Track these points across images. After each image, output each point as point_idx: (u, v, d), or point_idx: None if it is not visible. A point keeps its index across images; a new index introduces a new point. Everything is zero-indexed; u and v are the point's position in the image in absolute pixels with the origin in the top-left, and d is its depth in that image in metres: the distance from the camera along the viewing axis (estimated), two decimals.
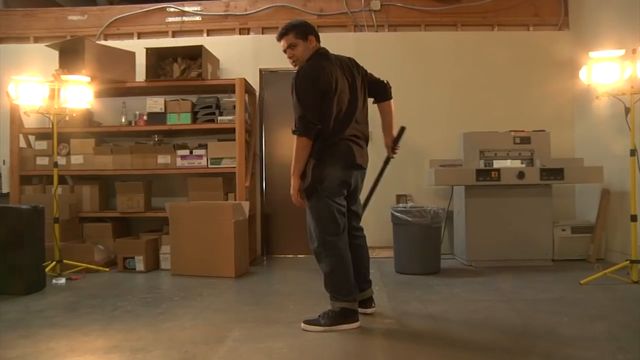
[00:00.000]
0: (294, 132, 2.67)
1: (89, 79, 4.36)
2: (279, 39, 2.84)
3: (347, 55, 3.00)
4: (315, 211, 2.73)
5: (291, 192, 2.74)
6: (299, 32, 2.77)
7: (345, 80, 2.76)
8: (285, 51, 2.84)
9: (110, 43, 5.30)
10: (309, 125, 2.63)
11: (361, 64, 3.01)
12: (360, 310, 2.82)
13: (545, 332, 2.62)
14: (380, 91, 2.96)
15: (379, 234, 5.17)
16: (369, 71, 3.03)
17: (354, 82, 2.79)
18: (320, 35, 5.18)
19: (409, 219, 4.20)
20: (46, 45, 4.79)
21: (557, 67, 5.32)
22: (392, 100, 2.97)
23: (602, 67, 3.64)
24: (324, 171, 2.68)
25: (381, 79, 2.98)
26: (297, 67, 2.80)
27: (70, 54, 4.63)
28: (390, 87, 2.99)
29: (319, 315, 2.76)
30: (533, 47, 5.36)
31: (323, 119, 2.65)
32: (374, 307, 3.00)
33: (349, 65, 2.84)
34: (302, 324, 2.74)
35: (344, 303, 2.72)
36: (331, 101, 2.66)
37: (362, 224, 3.02)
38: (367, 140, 2.89)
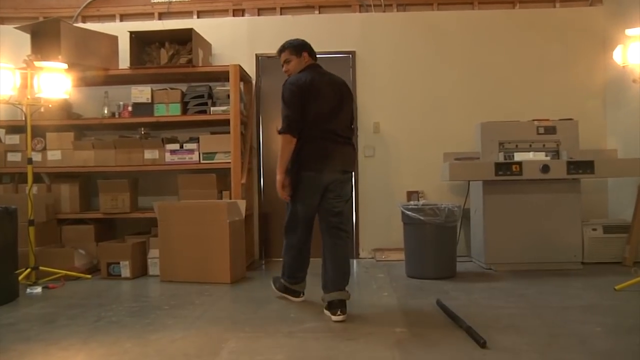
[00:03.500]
0: (279, 132, 3.23)
1: (66, 65, 4.32)
2: (278, 54, 3.50)
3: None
4: (292, 204, 3.35)
5: (277, 186, 3.27)
6: (293, 50, 3.42)
7: (331, 91, 3.28)
8: (282, 65, 3.48)
9: (89, 26, 5.27)
10: (292, 124, 3.18)
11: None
12: (326, 312, 3.15)
13: (576, 344, 2.60)
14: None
15: (389, 235, 5.19)
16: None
17: (338, 95, 3.30)
18: (322, 16, 5.47)
19: (421, 217, 4.18)
20: (15, 28, 4.76)
21: (587, 48, 5.29)
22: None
23: None
24: (298, 173, 3.24)
25: (353, 119, 3.49)
26: None
27: (43, 37, 4.61)
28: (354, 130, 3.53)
29: (279, 277, 3.62)
30: (560, 25, 5.32)
31: (304, 121, 3.19)
32: (340, 314, 3.06)
33: (337, 82, 3.37)
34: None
35: (286, 282, 3.55)
36: (311, 107, 3.20)
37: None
38: (350, 145, 3.36)
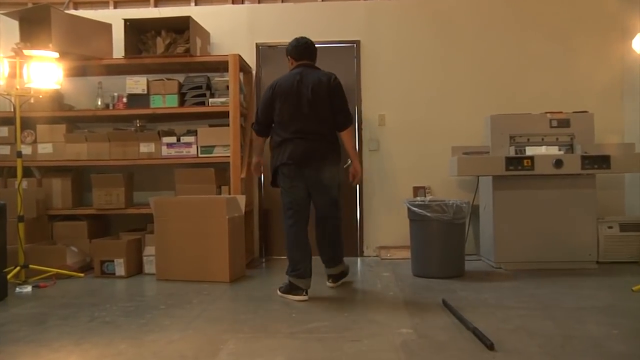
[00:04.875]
0: (252, 127, 4.03)
1: (57, 54, 4.31)
2: None
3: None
4: (281, 195, 3.86)
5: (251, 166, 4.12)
6: (285, 54, 3.97)
7: (297, 93, 3.71)
8: None
9: (82, 13, 5.27)
10: (257, 127, 3.93)
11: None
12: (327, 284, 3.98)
13: (591, 347, 2.58)
14: (336, 120, 3.80)
15: (394, 232, 5.19)
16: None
17: (307, 95, 3.70)
18: (325, 4, 5.81)
19: (428, 214, 4.17)
20: (2, 14, 4.76)
21: (604, 36, 5.25)
22: (345, 132, 3.83)
23: None
24: (272, 165, 3.82)
25: (343, 109, 3.80)
26: None
27: (33, 24, 4.59)
28: (347, 121, 3.82)
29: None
30: (575, 12, 5.29)
31: (273, 120, 3.82)
32: (330, 282, 3.97)
33: (310, 81, 3.73)
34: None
35: (290, 277, 3.68)
36: (279, 108, 3.75)
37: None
38: (321, 140, 3.74)
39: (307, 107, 3.71)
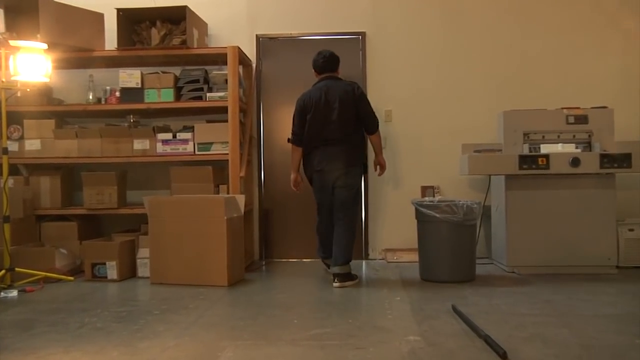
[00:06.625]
0: (288, 141, 4.46)
1: (45, 45, 4.31)
2: None
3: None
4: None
5: (291, 183, 4.54)
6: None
7: (324, 103, 4.21)
8: None
9: (71, 1, 5.22)
10: (294, 137, 4.36)
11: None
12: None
13: (611, 357, 2.57)
14: (366, 126, 4.35)
15: (401, 234, 5.19)
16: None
17: (333, 104, 4.21)
18: None
19: (437, 215, 4.17)
20: None
21: (625, 28, 5.22)
22: (375, 134, 4.39)
23: None
24: (309, 171, 4.42)
25: (371, 115, 4.32)
26: None
27: (19, 13, 4.60)
28: (375, 125, 4.36)
29: None
30: (592, 3, 5.25)
31: (304, 132, 4.30)
32: (336, 282, 4.14)
33: (336, 91, 4.24)
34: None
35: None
36: (307, 119, 4.26)
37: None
38: (344, 143, 4.24)
39: (335, 116, 4.19)
